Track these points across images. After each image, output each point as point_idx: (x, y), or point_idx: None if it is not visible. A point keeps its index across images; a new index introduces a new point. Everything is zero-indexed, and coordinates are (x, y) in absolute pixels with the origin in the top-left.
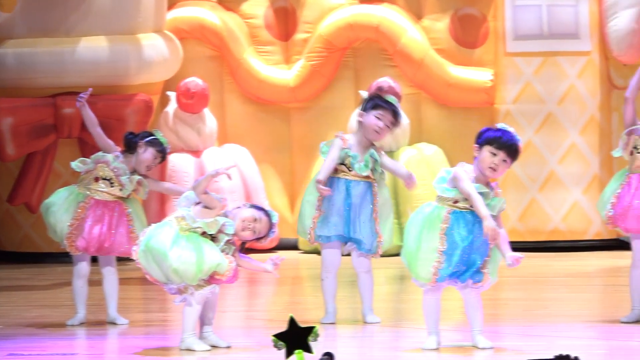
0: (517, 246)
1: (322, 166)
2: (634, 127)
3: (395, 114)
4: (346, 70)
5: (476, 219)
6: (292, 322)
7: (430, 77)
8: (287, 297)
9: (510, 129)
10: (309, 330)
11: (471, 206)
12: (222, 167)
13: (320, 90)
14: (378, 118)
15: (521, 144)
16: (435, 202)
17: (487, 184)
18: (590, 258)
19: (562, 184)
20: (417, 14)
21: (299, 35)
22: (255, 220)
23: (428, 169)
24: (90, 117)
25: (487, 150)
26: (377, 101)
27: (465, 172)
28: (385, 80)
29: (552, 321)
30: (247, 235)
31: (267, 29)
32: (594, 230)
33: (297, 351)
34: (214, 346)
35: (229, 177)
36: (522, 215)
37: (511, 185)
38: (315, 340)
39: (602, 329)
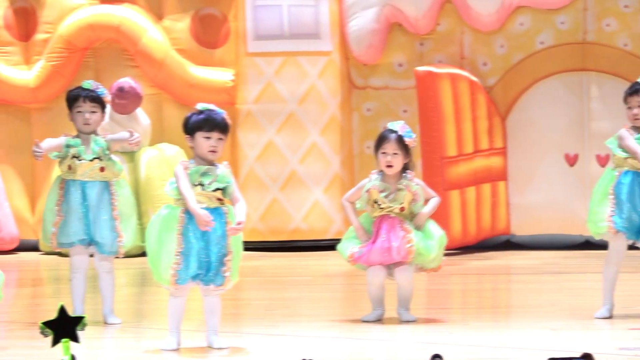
0: (258, 246)
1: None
2: (370, 185)
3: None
4: (87, 71)
5: (215, 216)
6: (62, 311)
7: (171, 78)
8: (28, 299)
9: (211, 106)
10: (78, 320)
11: (222, 202)
12: None
13: (60, 91)
14: (79, 111)
15: (226, 115)
16: (173, 203)
17: (213, 163)
18: (331, 257)
19: (303, 183)
20: (158, 14)
21: (39, 36)
22: None
23: (169, 170)
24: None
25: (200, 136)
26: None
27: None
28: (126, 81)
29: (293, 321)
30: None
31: (7, 29)
32: (335, 230)
33: (63, 340)
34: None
35: None
36: (264, 215)
37: (252, 184)
38: (83, 329)
39: (343, 327)
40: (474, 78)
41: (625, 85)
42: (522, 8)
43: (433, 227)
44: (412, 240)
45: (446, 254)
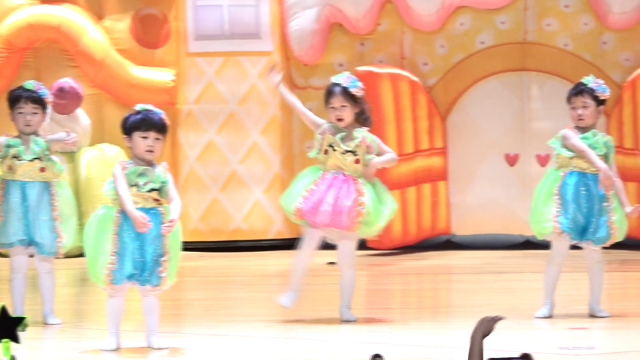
0: (198, 246)
1: None
2: (325, 127)
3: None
4: (27, 71)
5: (150, 217)
6: (4, 311)
7: (111, 78)
8: None
9: (149, 107)
10: (19, 320)
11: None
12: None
13: (0, 91)
14: (20, 112)
15: (164, 115)
16: (110, 203)
17: (151, 163)
18: (271, 257)
19: (244, 183)
20: (99, 14)
21: None
22: None
23: (110, 170)
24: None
25: (137, 136)
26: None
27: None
28: (67, 81)
29: (234, 321)
30: None
31: None
32: (275, 230)
33: (4, 341)
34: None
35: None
36: (204, 215)
37: (192, 184)
38: (24, 330)
39: (283, 327)
40: (414, 78)
41: (566, 85)
42: (462, 8)
43: (387, 197)
44: (364, 203)
45: (387, 254)
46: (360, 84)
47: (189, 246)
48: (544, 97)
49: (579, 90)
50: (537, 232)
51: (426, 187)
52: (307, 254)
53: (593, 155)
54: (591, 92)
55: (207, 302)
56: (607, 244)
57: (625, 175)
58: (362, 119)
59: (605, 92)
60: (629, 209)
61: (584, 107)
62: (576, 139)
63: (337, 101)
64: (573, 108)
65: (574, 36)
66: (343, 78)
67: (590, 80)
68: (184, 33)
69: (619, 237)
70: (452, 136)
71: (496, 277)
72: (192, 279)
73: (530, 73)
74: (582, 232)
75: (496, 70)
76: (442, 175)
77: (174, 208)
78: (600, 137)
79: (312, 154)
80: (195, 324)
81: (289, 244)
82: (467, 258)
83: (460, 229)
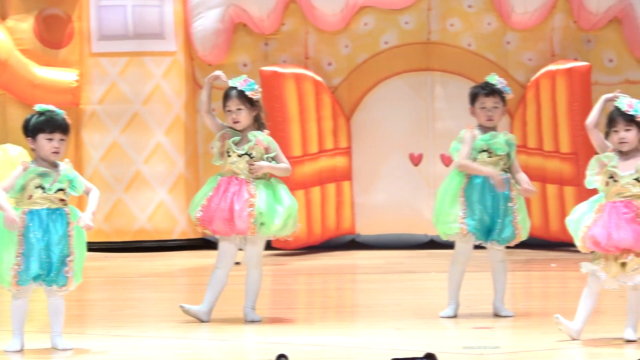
0: (103, 246)
1: None
2: (223, 132)
3: None
4: None
5: (50, 217)
6: None
7: (15, 78)
8: None
9: (50, 107)
10: None
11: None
12: None
13: None
14: None
15: (65, 115)
16: (14, 204)
17: (55, 164)
18: (176, 257)
19: (148, 183)
20: (1, 14)
21: None
22: None
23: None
24: None
25: (42, 138)
26: None
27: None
28: None
29: (139, 321)
30: None
31: None
32: (180, 230)
33: None
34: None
35: None
36: (108, 215)
37: (97, 185)
38: None
39: (188, 328)
40: (318, 78)
41: (470, 85)
42: (366, 8)
43: (284, 194)
44: (255, 204)
45: (292, 254)
46: (257, 87)
47: (93, 247)
48: (447, 97)
49: (490, 90)
50: (442, 232)
51: (331, 187)
52: (227, 270)
53: (475, 166)
54: (500, 93)
55: (112, 303)
56: (512, 244)
57: (529, 175)
58: (257, 123)
59: (509, 92)
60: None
61: (495, 107)
62: (466, 148)
63: (234, 104)
64: (482, 108)
65: (477, 36)
66: (240, 81)
67: (495, 80)
68: (87, 33)
69: (523, 236)
70: (356, 136)
71: (401, 277)
72: (97, 280)
73: (434, 73)
74: (487, 232)
75: (400, 70)
76: (346, 175)
77: (92, 198)
78: (502, 136)
79: (215, 161)
80: (100, 325)
81: (193, 244)
82: (372, 258)
83: (365, 228)
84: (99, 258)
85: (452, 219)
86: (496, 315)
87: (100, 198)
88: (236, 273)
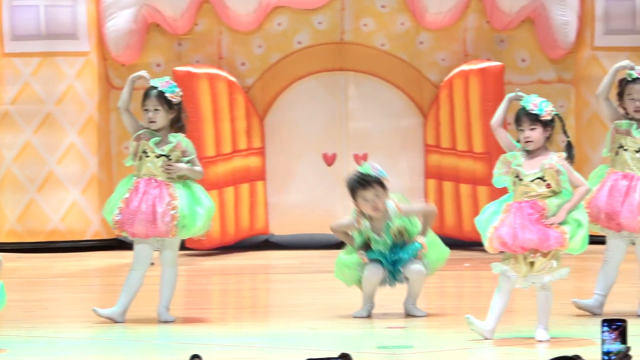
0: (16, 247)
1: None
2: (140, 133)
3: None
4: None
5: None
6: None
7: None
8: None
9: None
10: None
11: None
12: None
13: None
14: None
15: None
16: None
17: None
18: (89, 258)
19: (61, 184)
20: None
21: None
22: None
23: None
24: None
25: None
26: None
27: None
28: None
29: (53, 322)
30: None
31: None
32: (93, 231)
33: None
34: None
35: None
36: (21, 216)
37: (9, 186)
38: None
39: (100, 328)
40: (232, 78)
41: (383, 85)
42: (279, 8)
43: (202, 195)
44: (177, 207)
45: (205, 254)
46: (178, 90)
47: (5, 247)
48: (361, 97)
49: None
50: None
51: (244, 187)
52: (143, 271)
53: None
54: None
55: (25, 304)
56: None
57: (442, 175)
58: (176, 126)
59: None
60: None
61: None
62: None
63: (152, 104)
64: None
65: (390, 36)
66: (162, 82)
67: None
68: (0, 33)
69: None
70: (270, 136)
71: (315, 277)
72: (10, 280)
73: (347, 73)
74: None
75: (314, 70)
76: (260, 175)
77: None
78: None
79: (127, 162)
80: (14, 326)
81: (106, 245)
82: (286, 258)
83: (279, 228)
84: (12, 259)
85: None
86: (408, 315)
87: (13, 199)
88: (151, 273)
